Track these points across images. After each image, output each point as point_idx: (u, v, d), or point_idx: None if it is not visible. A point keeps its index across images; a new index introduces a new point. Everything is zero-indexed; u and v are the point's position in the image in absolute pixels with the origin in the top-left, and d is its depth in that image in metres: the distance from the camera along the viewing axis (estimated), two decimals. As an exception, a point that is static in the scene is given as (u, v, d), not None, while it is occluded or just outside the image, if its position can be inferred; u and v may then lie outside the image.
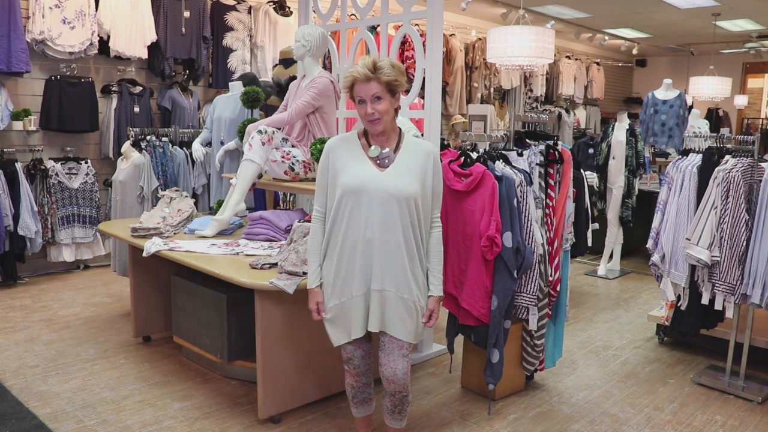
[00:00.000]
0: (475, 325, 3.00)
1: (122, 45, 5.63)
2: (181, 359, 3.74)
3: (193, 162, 5.29)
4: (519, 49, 5.21)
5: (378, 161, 2.30)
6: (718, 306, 3.24)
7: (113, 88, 5.78)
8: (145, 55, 5.81)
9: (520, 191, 2.99)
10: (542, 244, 3.11)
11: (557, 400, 3.35)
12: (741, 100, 11.41)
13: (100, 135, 5.84)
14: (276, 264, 2.91)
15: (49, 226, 5.35)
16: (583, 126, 10.78)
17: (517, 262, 2.93)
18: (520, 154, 3.21)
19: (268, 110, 4.95)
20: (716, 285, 3.22)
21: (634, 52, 11.54)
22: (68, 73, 5.51)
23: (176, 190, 4.03)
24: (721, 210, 3.18)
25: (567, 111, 10.16)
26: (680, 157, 3.55)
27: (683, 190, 3.41)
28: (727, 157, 3.32)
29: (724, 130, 7.07)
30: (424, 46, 3.65)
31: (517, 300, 3.06)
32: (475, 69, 8.79)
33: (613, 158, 5.77)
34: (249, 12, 6.60)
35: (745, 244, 3.16)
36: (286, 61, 5.46)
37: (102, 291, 5.15)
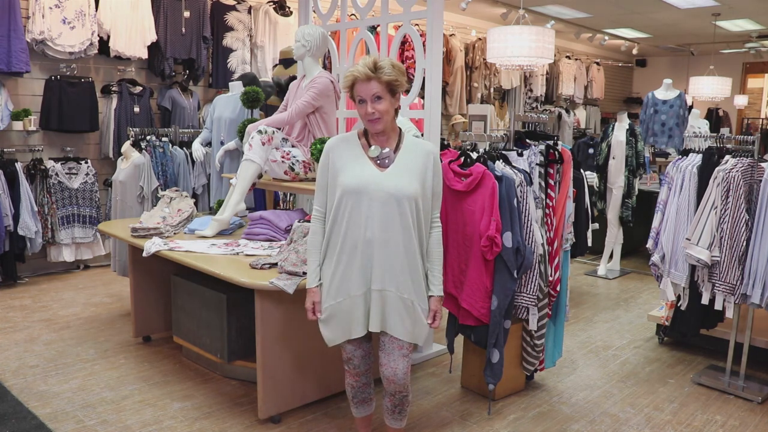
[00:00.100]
0: (475, 325, 3.00)
1: (122, 45, 5.64)
2: (181, 359, 3.74)
3: (193, 162, 5.29)
4: (519, 49, 5.21)
5: (378, 161, 2.30)
6: (718, 306, 3.24)
7: (113, 88, 5.78)
8: (145, 55, 5.81)
9: (520, 191, 2.99)
10: (542, 244, 3.11)
11: (557, 400, 3.35)
12: (741, 100, 11.40)
13: (100, 135, 5.85)
14: (276, 264, 2.90)
15: (49, 226, 5.35)
16: (583, 126, 10.77)
17: (517, 262, 2.93)
18: (520, 154, 3.21)
19: (268, 110, 4.95)
20: (716, 285, 3.22)
21: (634, 52, 11.54)
22: (68, 73, 5.51)
23: (176, 190, 4.03)
24: (721, 210, 3.18)
25: (567, 111, 10.15)
26: (680, 157, 3.55)
27: (683, 190, 3.41)
28: (727, 157, 3.32)
29: (724, 130, 7.07)
30: (424, 46, 3.65)
31: (517, 300, 3.06)
32: (475, 69, 8.79)
33: (613, 158, 5.77)
34: (249, 12, 6.60)
35: (745, 244, 3.16)
36: (286, 61, 5.46)
37: (102, 291, 5.15)
